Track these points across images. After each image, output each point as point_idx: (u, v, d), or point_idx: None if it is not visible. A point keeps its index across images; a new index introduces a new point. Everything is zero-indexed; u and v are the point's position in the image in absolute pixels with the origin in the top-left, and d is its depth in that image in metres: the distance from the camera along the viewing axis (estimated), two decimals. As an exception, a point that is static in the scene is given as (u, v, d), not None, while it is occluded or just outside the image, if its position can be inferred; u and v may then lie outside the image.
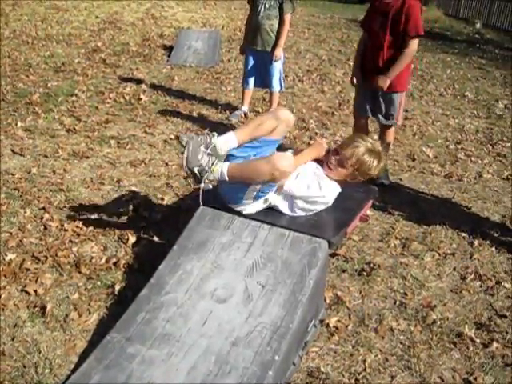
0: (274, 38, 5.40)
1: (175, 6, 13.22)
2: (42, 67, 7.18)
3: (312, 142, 2.97)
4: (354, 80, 4.30)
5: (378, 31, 4.02)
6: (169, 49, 8.77)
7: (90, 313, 2.64)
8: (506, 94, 8.10)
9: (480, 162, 5.14)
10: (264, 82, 5.66)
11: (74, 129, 5.03)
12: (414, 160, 5.02)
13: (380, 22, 3.99)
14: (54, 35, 9.16)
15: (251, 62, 5.59)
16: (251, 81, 5.68)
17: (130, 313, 2.37)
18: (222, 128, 5.43)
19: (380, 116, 4.23)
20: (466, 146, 5.56)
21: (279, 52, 5.45)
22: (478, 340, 2.66)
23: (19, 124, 5.02)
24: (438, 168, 4.87)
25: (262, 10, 5.34)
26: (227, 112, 5.95)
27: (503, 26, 15.95)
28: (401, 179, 4.57)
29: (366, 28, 4.23)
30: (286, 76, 7.68)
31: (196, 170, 2.63)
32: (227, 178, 2.68)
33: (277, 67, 5.53)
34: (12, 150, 4.45)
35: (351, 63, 9.13)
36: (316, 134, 5.45)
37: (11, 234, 3.25)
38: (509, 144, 5.74)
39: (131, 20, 11.09)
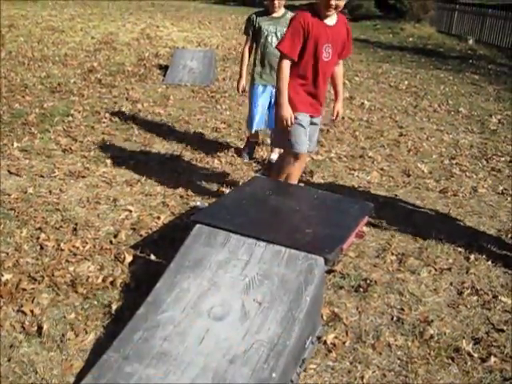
0: None
1: (170, 26, 13.36)
2: (38, 88, 7.22)
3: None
4: (290, 118, 3.50)
5: (327, 60, 3.55)
6: (164, 68, 8.84)
7: (86, 332, 2.63)
8: (499, 108, 8.17)
9: (475, 176, 5.17)
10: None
11: (70, 149, 5.05)
12: (409, 176, 5.04)
13: (330, 51, 3.53)
14: (49, 56, 9.22)
15: (262, 100, 4.81)
16: (262, 121, 4.89)
17: (127, 332, 2.36)
18: (216, 147, 5.46)
19: (311, 145, 3.81)
20: (460, 161, 5.59)
21: None
22: (475, 355, 2.66)
23: (15, 144, 5.04)
24: (433, 183, 4.90)
25: (274, 41, 4.56)
26: (222, 130, 5.98)
27: (495, 42, 16.12)
28: (396, 195, 4.58)
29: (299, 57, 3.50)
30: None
31: None
32: None
33: None
34: (8, 171, 4.46)
35: (346, 80, 9.24)
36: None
37: (7, 254, 3.25)
38: (503, 158, 5.77)
39: (126, 40, 11.19)
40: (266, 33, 4.66)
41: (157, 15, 15.48)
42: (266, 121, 4.89)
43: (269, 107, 4.84)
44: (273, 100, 4.65)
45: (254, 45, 4.80)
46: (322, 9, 3.41)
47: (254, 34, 4.74)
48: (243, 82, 4.91)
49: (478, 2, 19.67)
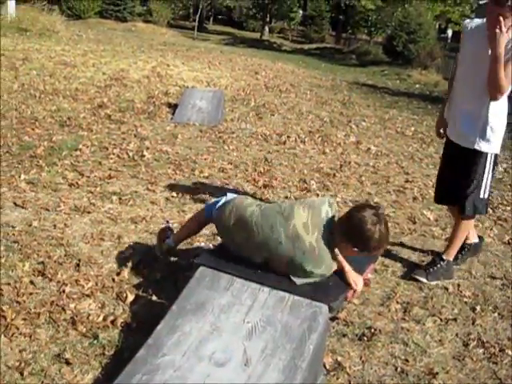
0: None
1: (180, 65, 13.53)
2: (47, 121, 7.27)
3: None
4: None
5: None
6: (173, 107, 8.91)
7: (84, 372, 2.58)
8: (505, 157, 8.17)
9: (480, 225, 5.14)
10: None
11: (77, 183, 5.05)
12: (414, 223, 5.02)
13: None
14: (61, 90, 9.32)
15: None
16: None
17: (126, 374, 2.31)
18: (222, 187, 5.47)
19: None
20: (466, 209, 5.55)
21: None
22: (481, 411, 2.60)
23: (22, 176, 5.05)
24: (438, 231, 4.87)
25: None
26: (229, 171, 6.00)
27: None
28: (401, 242, 4.55)
29: None
30: (288, 137, 7.80)
31: None
32: None
33: None
34: (14, 203, 4.46)
35: (353, 125, 9.32)
36: (317, 195, 5.48)
37: (8, 287, 3.21)
38: (509, 208, 5.75)
39: (137, 77, 11.32)
40: None
41: (168, 54, 15.69)
42: None
43: None
44: None
45: None
46: None
47: None
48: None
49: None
